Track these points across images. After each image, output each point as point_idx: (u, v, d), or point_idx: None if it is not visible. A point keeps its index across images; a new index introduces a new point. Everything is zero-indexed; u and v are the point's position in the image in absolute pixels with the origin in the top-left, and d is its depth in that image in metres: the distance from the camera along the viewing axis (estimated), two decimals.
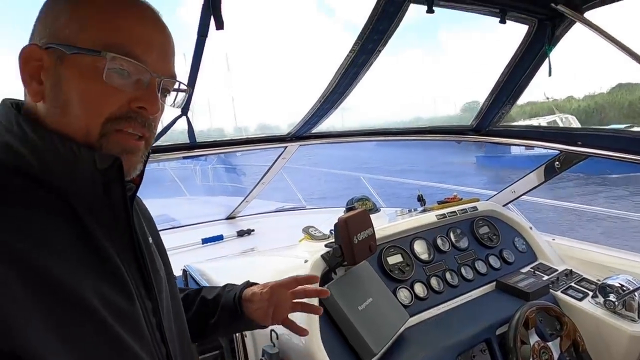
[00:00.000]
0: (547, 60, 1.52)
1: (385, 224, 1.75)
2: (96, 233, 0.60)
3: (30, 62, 0.59)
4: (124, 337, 0.58)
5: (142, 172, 0.69)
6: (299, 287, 0.96)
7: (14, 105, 0.62)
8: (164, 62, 0.64)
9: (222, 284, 1.51)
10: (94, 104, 0.58)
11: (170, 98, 0.69)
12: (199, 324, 0.94)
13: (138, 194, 0.71)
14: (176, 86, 0.69)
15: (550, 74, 1.47)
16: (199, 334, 0.96)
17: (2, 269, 0.49)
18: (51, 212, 0.57)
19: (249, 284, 0.99)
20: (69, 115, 0.58)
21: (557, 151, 1.77)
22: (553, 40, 1.44)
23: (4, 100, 0.63)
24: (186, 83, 0.70)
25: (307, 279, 0.97)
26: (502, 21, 1.38)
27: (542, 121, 13.09)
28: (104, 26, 0.58)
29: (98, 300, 0.56)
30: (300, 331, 0.96)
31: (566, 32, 1.44)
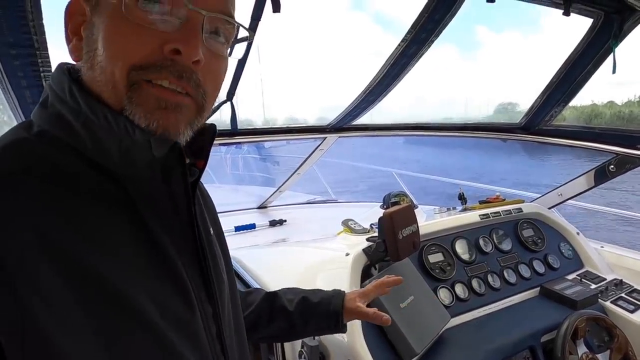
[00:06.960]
0: (610, 57, 1.44)
1: (422, 221, 1.70)
2: (155, 227, 0.51)
3: (74, 17, 0.51)
4: (180, 351, 0.50)
5: (207, 155, 0.60)
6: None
7: (68, 70, 0.52)
8: None
9: (258, 272, 1.51)
10: (116, 47, 0.48)
11: (226, 47, 0.55)
12: (288, 334, 0.97)
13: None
14: (244, 34, 0.56)
15: (614, 71, 1.38)
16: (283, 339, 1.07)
17: (42, 269, 0.41)
18: (105, 201, 0.49)
19: (342, 294, 0.96)
20: (96, 67, 0.49)
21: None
22: (620, 36, 1.35)
23: (60, 65, 0.53)
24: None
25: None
26: (566, 13, 1.30)
27: None
28: None
29: (153, 306, 0.48)
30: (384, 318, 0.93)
31: (635, 26, 1.34)
